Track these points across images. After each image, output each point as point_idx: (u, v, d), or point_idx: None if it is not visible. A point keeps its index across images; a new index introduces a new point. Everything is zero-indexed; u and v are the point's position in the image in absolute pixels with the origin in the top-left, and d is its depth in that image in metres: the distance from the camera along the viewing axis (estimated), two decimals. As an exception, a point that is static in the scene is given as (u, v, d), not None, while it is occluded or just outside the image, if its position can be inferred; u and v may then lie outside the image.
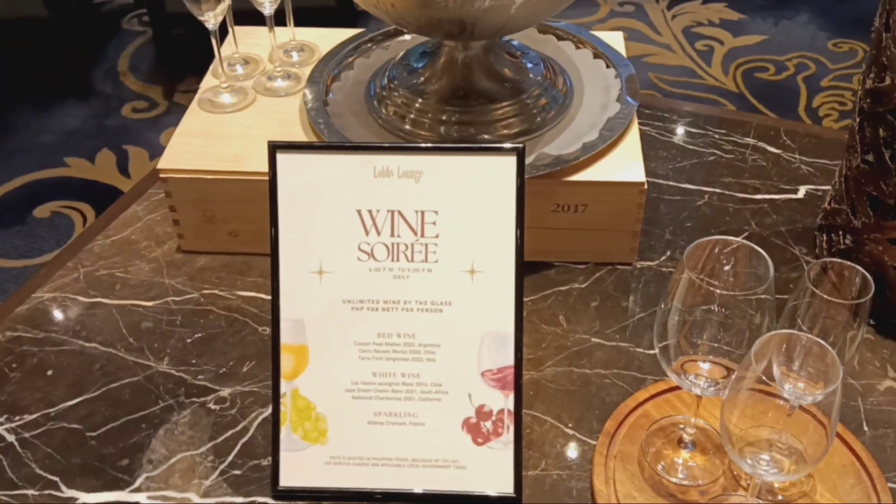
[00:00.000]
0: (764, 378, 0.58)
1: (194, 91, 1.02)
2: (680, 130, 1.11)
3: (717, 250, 0.63)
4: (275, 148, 0.72)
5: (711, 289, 0.61)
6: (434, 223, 0.72)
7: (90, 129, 2.48)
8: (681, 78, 2.54)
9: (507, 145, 0.71)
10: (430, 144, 0.73)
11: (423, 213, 0.72)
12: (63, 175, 2.32)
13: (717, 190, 1.02)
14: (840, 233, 0.89)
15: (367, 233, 0.72)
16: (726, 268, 0.63)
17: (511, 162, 0.71)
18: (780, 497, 0.71)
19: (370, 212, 0.72)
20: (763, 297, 0.60)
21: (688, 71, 2.58)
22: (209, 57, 1.02)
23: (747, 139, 1.10)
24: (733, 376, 0.60)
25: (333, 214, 0.72)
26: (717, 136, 1.10)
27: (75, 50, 2.79)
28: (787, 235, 0.97)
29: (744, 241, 0.63)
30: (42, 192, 2.26)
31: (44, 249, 2.09)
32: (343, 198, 0.72)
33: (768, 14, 2.85)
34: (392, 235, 0.72)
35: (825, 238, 0.92)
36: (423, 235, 0.72)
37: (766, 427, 0.63)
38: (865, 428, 0.77)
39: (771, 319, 0.61)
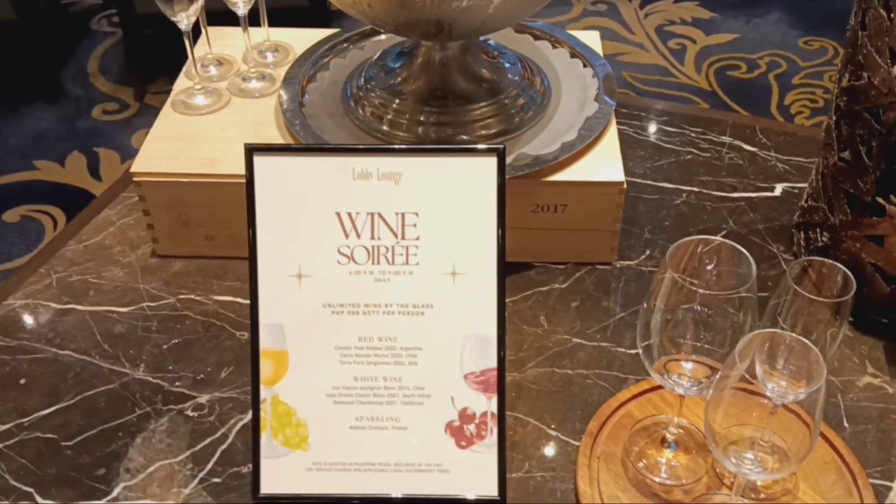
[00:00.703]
0: (748, 377, 0.58)
1: (166, 92, 1.01)
2: (656, 129, 1.11)
3: (699, 250, 0.63)
4: (251, 150, 0.71)
5: (694, 288, 0.60)
6: (415, 225, 0.71)
7: (60, 132, 2.44)
8: (654, 76, 2.56)
9: (488, 146, 0.71)
10: (409, 146, 0.72)
11: (403, 214, 0.71)
12: (33, 178, 2.28)
13: (695, 189, 1.02)
14: (817, 230, 0.89)
15: (346, 236, 0.72)
16: (709, 267, 0.63)
17: (491, 163, 0.71)
18: (762, 495, 0.71)
19: (350, 214, 0.72)
20: (745, 295, 0.60)
21: (661, 69, 2.59)
22: (180, 58, 1.00)
23: (723, 137, 1.10)
24: (717, 375, 0.60)
25: (312, 217, 0.72)
26: (693, 134, 1.11)
27: (44, 51, 2.74)
28: (764, 233, 0.97)
29: (726, 240, 0.63)
30: (11, 196, 2.22)
31: (13, 254, 2.05)
32: (322, 200, 0.72)
33: (739, 12, 2.87)
34: (372, 238, 0.71)
35: (803, 236, 0.92)
36: (403, 238, 0.71)
37: (750, 426, 0.63)
38: (846, 424, 0.78)
39: (753, 318, 0.61)
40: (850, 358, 0.83)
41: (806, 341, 0.58)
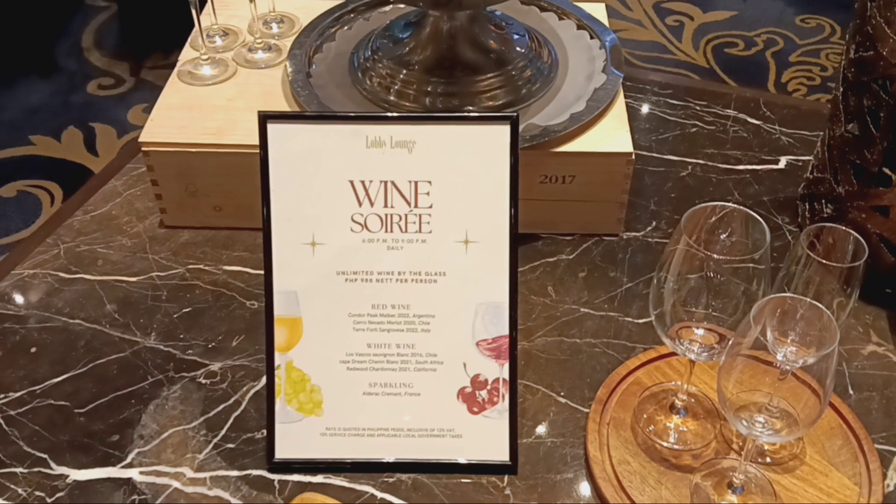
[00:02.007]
0: (763, 341, 0.59)
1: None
2: (661, 102, 1.11)
3: (714, 217, 0.64)
4: (265, 118, 0.71)
5: (708, 255, 0.61)
6: (427, 193, 0.72)
7: (55, 107, 2.42)
8: (652, 53, 2.55)
9: (501, 114, 0.71)
10: (422, 114, 0.72)
11: (416, 183, 0.72)
12: (28, 154, 2.27)
13: (700, 161, 1.03)
14: (823, 201, 0.90)
15: (360, 204, 0.72)
16: (722, 235, 0.64)
17: (505, 131, 0.71)
18: (768, 459, 0.73)
19: (363, 182, 0.72)
20: (759, 263, 0.60)
21: (659, 46, 2.59)
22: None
23: (728, 111, 1.10)
24: (730, 341, 0.61)
25: (326, 185, 0.72)
26: (698, 107, 1.11)
27: (37, 25, 2.72)
28: (769, 205, 0.98)
29: (741, 207, 0.64)
30: (7, 170, 2.20)
31: (11, 229, 2.05)
32: (335, 168, 0.72)
33: (737, -11, 2.86)
34: (385, 206, 0.72)
35: (808, 207, 0.93)
36: (416, 206, 0.72)
37: (760, 391, 0.64)
38: (851, 391, 0.79)
39: (766, 286, 0.62)
40: (855, 327, 0.84)
41: (819, 305, 0.59)
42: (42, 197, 2.13)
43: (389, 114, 0.79)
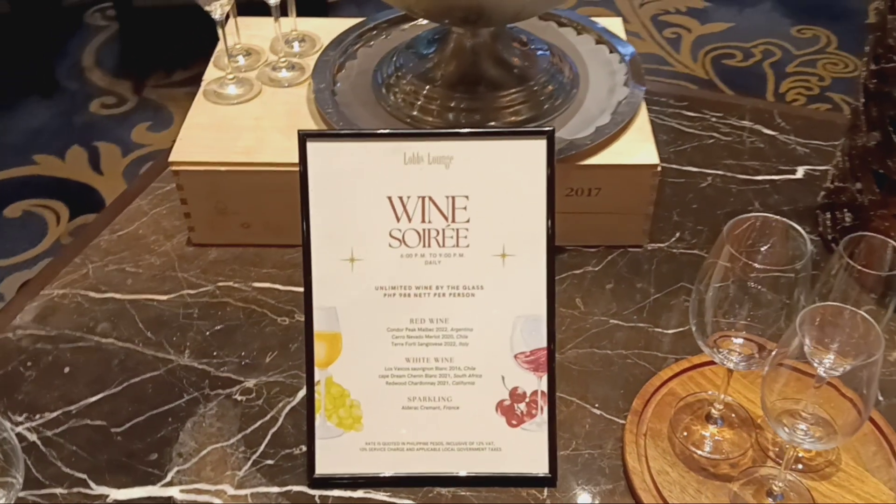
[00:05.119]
0: (804, 349, 0.60)
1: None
2: (677, 114, 1.13)
3: (754, 228, 0.65)
4: (305, 136, 0.72)
5: (751, 265, 0.62)
6: (465, 208, 0.73)
7: (57, 127, 2.42)
8: (651, 65, 2.57)
9: (537, 129, 0.72)
10: (460, 130, 0.73)
11: (453, 198, 0.72)
12: (32, 174, 2.27)
13: (720, 172, 1.04)
14: (844, 210, 0.91)
15: (398, 219, 0.73)
16: (762, 246, 0.65)
17: (541, 145, 0.72)
18: (800, 466, 0.73)
19: (401, 198, 0.73)
20: (800, 273, 0.61)
21: (658, 58, 2.61)
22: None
23: (743, 122, 1.12)
24: (774, 350, 0.61)
25: (364, 202, 0.73)
26: (713, 119, 1.12)
27: (37, 46, 2.72)
28: (789, 215, 0.99)
29: (780, 218, 0.65)
30: (11, 191, 2.20)
31: (17, 250, 2.04)
32: (373, 185, 0.73)
33: (733, 2, 2.89)
34: (423, 221, 0.73)
35: (829, 216, 0.94)
36: (454, 220, 0.73)
37: (799, 399, 0.65)
38: (880, 397, 0.80)
39: (807, 294, 0.63)
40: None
41: (864, 314, 0.60)
42: (47, 216, 2.13)
43: (427, 131, 0.79)
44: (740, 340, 0.68)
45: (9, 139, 2.38)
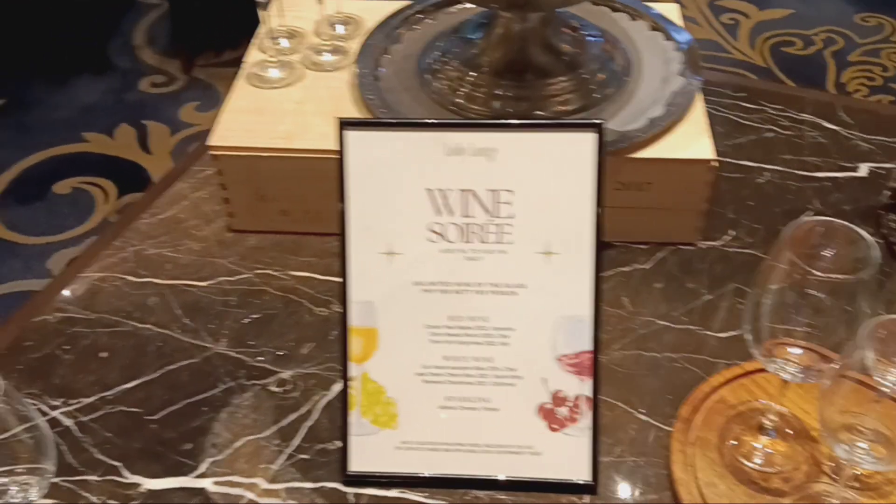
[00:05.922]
0: (867, 361, 0.56)
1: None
2: (735, 106, 1.08)
3: (815, 232, 0.61)
4: (343, 125, 0.70)
5: (812, 273, 0.58)
6: (509, 203, 0.70)
7: (108, 104, 2.44)
8: (708, 52, 2.50)
9: (586, 120, 0.69)
10: (504, 121, 0.70)
11: (497, 192, 0.70)
12: (82, 150, 2.29)
13: (778, 167, 0.99)
14: (911, 212, 0.86)
15: (438, 213, 0.70)
16: (824, 251, 0.61)
17: (590, 138, 0.69)
18: (857, 484, 0.70)
19: (441, 191, 0.70)
20: (866, 281, 0.58)
21: (714, 45, 2.54)
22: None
23: (803, 115, 1.07)
24: (835, 362, 0.58)
25: (403, 194, 0.70)
26: (772, 111, 1.07)
27: (90, 24, 2.74)
28: (851, 215, 0.94)
29: (844, 222, 0.61)
30: (61, 167, 2.23)
31: (65, 226, 2.07)
32: (413, 176, 0.70)
33: (793, -13, 2.79)
34: (464, 215, 0.70)
35: (892, 217, 0.89)
36: (496, 215, 0.70)
37: (858, 414, 0.61)
38: (945, 413, 0.75)
39: (871, 304, 0.59)
40: (948, 344, 0.80)
41: (935, 328, 0.56)
42: (96, 194, 2.15)
43: (469, 121, 0.77)
44: (797, 350, 0.64)
45: (60, 115, 2.41)
